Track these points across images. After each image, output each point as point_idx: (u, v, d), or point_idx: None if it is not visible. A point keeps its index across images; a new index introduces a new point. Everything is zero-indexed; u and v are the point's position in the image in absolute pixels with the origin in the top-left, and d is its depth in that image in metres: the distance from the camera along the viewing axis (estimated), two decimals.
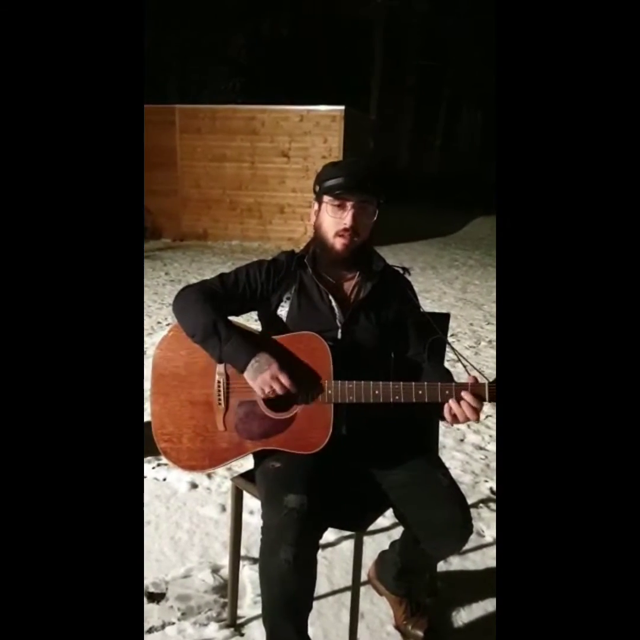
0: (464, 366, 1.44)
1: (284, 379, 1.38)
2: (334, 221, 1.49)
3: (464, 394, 1.35)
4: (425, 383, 1.38)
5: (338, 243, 1.50)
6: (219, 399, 1.49)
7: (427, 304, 5.70)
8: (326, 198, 1.49)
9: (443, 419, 1.40)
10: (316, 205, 1.55)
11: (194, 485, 2.47)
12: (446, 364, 1.60)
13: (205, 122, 9.39)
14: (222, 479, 2.52)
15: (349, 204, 1.47)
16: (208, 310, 1.46)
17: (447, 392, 1.36)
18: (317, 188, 1.53)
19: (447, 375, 1.49)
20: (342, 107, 8.89)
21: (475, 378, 1.37)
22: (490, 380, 1.37)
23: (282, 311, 1.54)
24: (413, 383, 1.38)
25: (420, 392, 1.38)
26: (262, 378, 1.39)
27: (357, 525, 1.52)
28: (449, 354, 1.59)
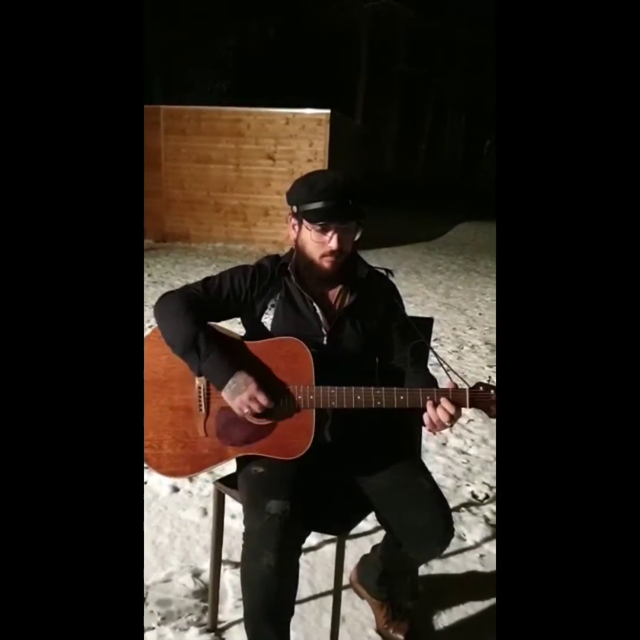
0: (446, 372, 1.44)
1: (262, 399, 1.37)
2: (318, 245, 1.46)
3: (442, 400, 1.35)
4: (407, 389, 1.39)
5: (325, 263, 1.47)
6: (200, 405, 1.47)
7: (411, 308, 5.73)
8: (306, 223, 1.46)
9: (425, 425, 1.41)
10: (293, 220, 1.51)
11: (176, 489, 2.45)
12: (430, 368, 1.61)
13: (190, 123, 9.35)
14: (203, 483, 2.50)
15: (332, 228, 1.43)
16: (189, 322, 1.42)
17: (428, 397, 1.37)
18: (294, 209, 1.48)
19: (431, 381, 1.50)
20: (328, 111, 8.91)
21: (455, 384, 1.38)
22: (471, 385, 1.38)
23: (267, 319, 1.52)
24: (394, 389, 1.38)
25: (401, 397, 1.38)
26: (239, 399, 1.38)
27: (339, 529, 1.52)
28: (433, 358, 1.60)
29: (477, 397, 1.37)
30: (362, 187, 1.50)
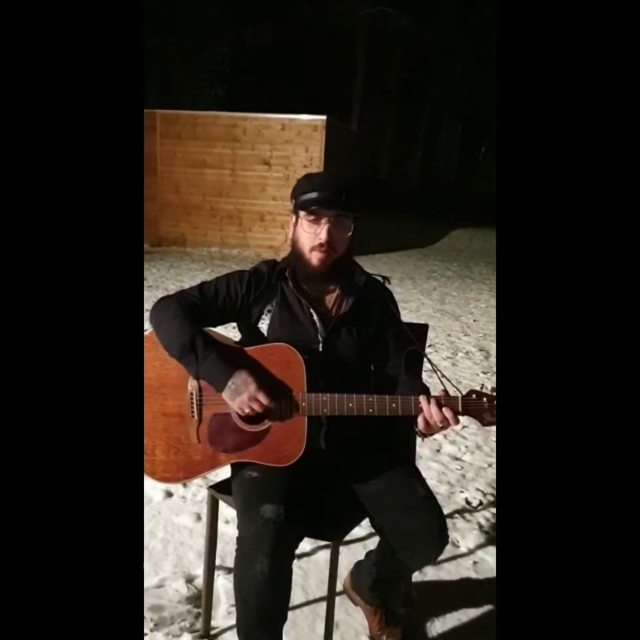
0: (440, 379, 1.44)
1: (263, 398, 1.37)
2: (309, 236, 1.48)
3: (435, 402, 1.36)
4: (399, 397, 1.39)
5: (314, 258, 1.48)
6: (192, 411, 1.47)
7: (406, 315, 5.72)
8: (302, 213, 1.49)
9: (417, 433, 1.41)
10: (293, 218, 1.54)
11: (169, 494, 2.45)
12: (424, 375, 1.61)
13: (186, 128, 9.36)
14: (197, 488, 2.49)
15: (323, 219, 1.46)
16: (186, 326, 1.42)
17: (420, 405, 1.37)
18: (294, 202, 1.52)
19: (423, 388, 1.49)
20: (324, 117, 8.93)
21: (445, 391, 1.38)
22: (464, 393, 1.38)
23: (263, 324, 1.52)
24: (386, 396, 1.39)
25: (394, 405, 1.38)
26: (240, 399, 1.38)
27: (334, 535, 1.52)
28: (427, 365, 1.60)
29: (470, 405, 1.37)
30: (359, 188, 1.54)
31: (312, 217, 1.47)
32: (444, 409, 1.35)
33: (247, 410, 1.39)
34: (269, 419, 1.41)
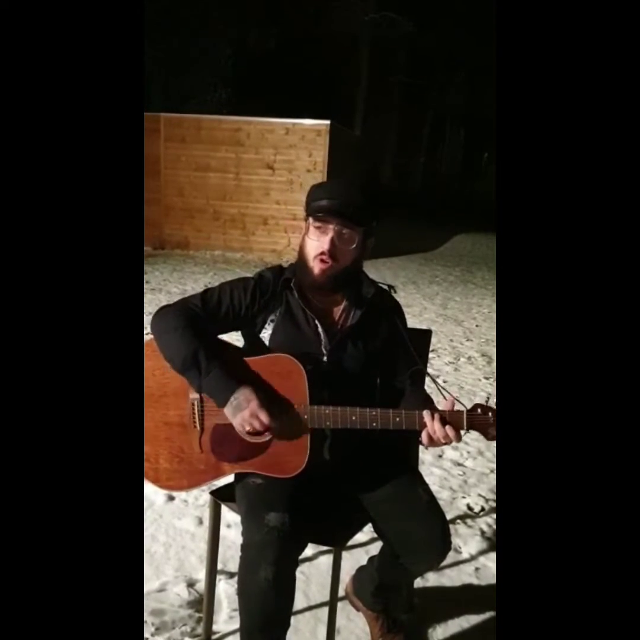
0: (440, 391, 1.43)
1: (264, 417, 1.34)
2: (314, 244, 1.45)
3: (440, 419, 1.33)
4: (403, 411, 1.37)
5: (316, 267, 1.44)
6: (194, 421, 1.46)
7: (409, 319, 5.70)
8: (311, 219, 1.46)
9: (421, 443, 1.39)
10: (305, 225, 1.51)
11: (171, 498, 2.44)
12: (426, 381, 1.61)
13: (190, 131, 9.39)
14: (199, 492, 2.49)
15: (329, 228, 1.42)
16: (188, 338, 1.39)
17: (424, 420, 1.34)
18: (306, 207, 1.49)
19: (427, 401, 1.47)
20: (328, 122, 8.96)
21: (452, 404, 1.35)
22: (468, 404, 1.36)
23: (265, 334, 1.49)
24: (391, 410, 1.36)
25: (397, 419, 1.36)
26: (241, 416, 1.35)
27: (336, 540, 1.52)
28: (430, 370, 1.60)
29: (475, 419, 1.34)
30: (373, 200, 1.48)
31: (318, 225, 1.44)
32: (447, 427, 1.32)
33: (247, 428, 1.36)
34: (271, 434, 1.40)
